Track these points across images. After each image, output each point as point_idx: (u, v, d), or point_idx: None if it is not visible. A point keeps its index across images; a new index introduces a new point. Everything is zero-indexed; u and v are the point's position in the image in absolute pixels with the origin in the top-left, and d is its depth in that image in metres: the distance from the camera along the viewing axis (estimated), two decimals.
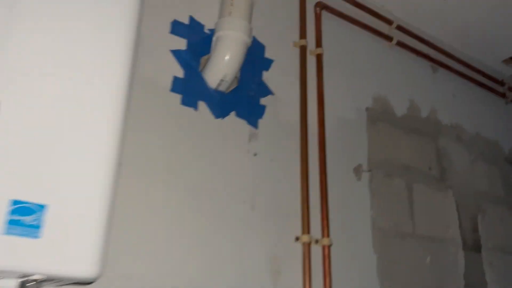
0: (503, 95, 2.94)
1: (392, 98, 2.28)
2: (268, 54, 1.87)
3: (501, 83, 2.94)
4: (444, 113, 2.52)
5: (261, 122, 1.75)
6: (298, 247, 1.66)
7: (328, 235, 1.73)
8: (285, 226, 1.67)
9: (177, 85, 1.57)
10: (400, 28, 2.42)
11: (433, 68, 2.59)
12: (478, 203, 2.47)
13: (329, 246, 1.71)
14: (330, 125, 1.96)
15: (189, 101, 1.58)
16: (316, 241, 1.71)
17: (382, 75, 2.30)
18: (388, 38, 2.36)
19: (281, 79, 1.87)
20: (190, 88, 1.60)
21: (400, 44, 2.40)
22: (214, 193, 1.54)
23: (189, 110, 1.58)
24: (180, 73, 1.60)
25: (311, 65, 1.98)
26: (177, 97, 1.56)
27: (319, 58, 2.00)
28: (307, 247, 1.65)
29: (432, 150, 2.36)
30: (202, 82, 1.64)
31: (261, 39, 1.87)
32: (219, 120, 1.64)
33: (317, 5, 2.09)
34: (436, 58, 2.58)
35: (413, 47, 2.46)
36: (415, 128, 2.33)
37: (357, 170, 1.99)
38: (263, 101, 1.79)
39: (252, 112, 1.74)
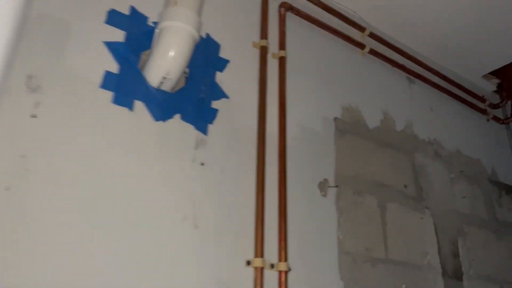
0: (484, 112, 2.79)
1: (364, 109, 2.10)
2: (223, 54, 1.68)
3: (482, 99, 2.79)
4: (421, 128, 2.34)
5: (211, 127, 1.54)
6: (250, 273, 1.42)
7: (285, 259, 1.49)
8: (235, 248, 1.44)
9: (109, 81, 1.36)
10: (373, 36, 2.26)
11: (409, 80, 2.43)
12: (459, 226, 2.27)
13: (287, 272, 1.48)
14: (293, 134, 1.76)
15: (123, 99, 1.37)
16: (272, 266, 1.48)
17: (353, 84, 2.12)
18: (361, 46, 2.19)
19: (237, 81, 1.67)
20: (125, 86, 1.39)
21: (374, 52, 2.24)
22: (148, 207, 1.31)
23: (123, 110, 1.36)
24: (114, 68, 1.39)
25: (273, 68, 1.79)
26: (109, 95, 1.35)
27: (282, 61, 1.81)
28: (260, 272, 1.42)
29: (408, 167, 2.17)
30: (141, 80, 1.43)
31: (216, 37, 1.68)
32: (160, 123, 1.42)
33: (282, 5, 1.92)
34: (412, 69, 2.42)
35: (388, 57, 2.30)
36: (389, 142, 2.14)
37: (323, 186, 1.77)
38: (216, 104, 1.58)
39: (201, 116, 1.53)
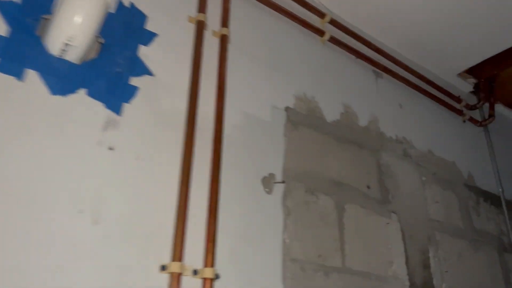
0: (459, 112, 2.58)
1: (322, 100, 1.88)
2: (151, 27, 1.46)
3: (458, 100, 2.59)
4: (389, 125, 2.13)
5: (127, 107, 1.30)
6: (164, 280, 1.17)
7: (212, 264, 1.24)
8: (147, 249, 1.19)
9: None
10: (335, 23, 2.06)
11: (376, 74, 2.23)
12: (431, 233, 2.03)
13: (213, 280, 1.23)
14: (234, 121, 1.53)
15: (10, 67, 1.13)
16: (195, 272, 1.23)
17: (310, 73, 1.91)
18: (320, 32, 1.99)
19: (166, 58, 1.45)
20: (14, 51, 1.15)
21: (335, 41, 2.04)
22: (37, 197, 1.06)
23: (10, 79, 1.13)
24: (3, 30, 1.16)
25: (213, 47, 1.58)
26: None
27: (223, 40, 1.60)
28: (176, 279, 1.16)
29: (372, 166, 1.94)
30: (38, 47, 1.20)
31: (142, 7, 1.46)
32: (58, 98, 1.19)
33: None
34: (380, 63, 2.22)
35: (352, 47, 2.10)
36: (350, 138, 1.92)
37: (268, 181, 1.54)
38: (136, 81, 1.35)
39: (115, 93, 1.29)
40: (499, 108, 2.89)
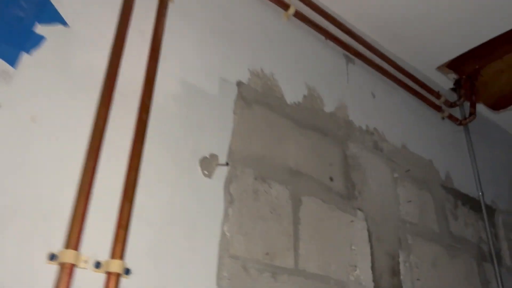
0: (438, 109, 2.39)
1: (282, 79, 1.65)
2: None
3: (437, 95, 2.40)
4: (358, 113, 1.91)
5: (27, 59, 1.05)
6: (54, 272, 0.91)
7: (121, 257, 0.99)
8: (33, 233, 0.93)
9: None
10: None
11: (347, 58, 2.01)
12: (402, 236, 1.80)
13: (120, 275, 0.98)
14: (168, 90, 1.29)
15: None
16: (97, 265, 0.97)
17: (270, 48, 1.68)
18: (284, 6, 1.77)
19: (87, 7, 1.21)
20: None
21: (302, 17, 1.82)
22: None
23: None
24: None
25: (150, 3, 1.34)
26: None
27: None
28: (68, 272, 0.91)
29: (337, 156, 1.71)
30: None
31: None
32: None
33: None
34: (353, 47, 2.01)
35: (321, 26, 1.89)
36: (313, 123, 1.69)
37: (208, 163, 1.29)
38: (44, 30, 1.10)
39: (12, 41, 1.04)
40: (481, 109, 2.71)
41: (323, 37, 1.92)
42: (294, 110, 1.64)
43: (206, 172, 1.28)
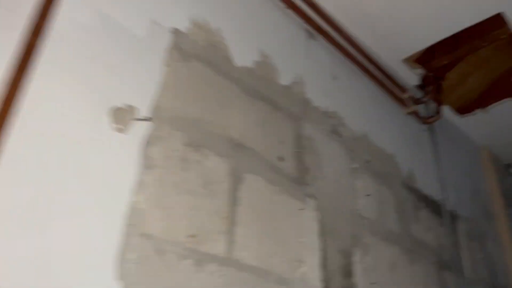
0: (403, 102, 2.21)
1: (230, 37, 1.40)
2: None
3: (402, 89, 2.23)
4: (317, 93, 1.69)
5: None
6: None
7: None
8: None
9: None
10: None
11: (308, 33, 1.80)
12: (358, 232, 1.57)
13: None
14: (77, 18, 1.01)
15: None
16: None
17: (220, 0, 1.44)
18: None
19: None
20: None
21: None
22: None
23: None
24: None
25: None
26: None
27: None
28: None
29: (289, 134, 1.47)
30: None
31: None
32: None
33: None
34: (315, 21, 1.80)
35: None
36: (264, 94, 1.45)
37: (121, 114, 1.02)
38: None
39: None
40: (448, 113, 2.56)
41: (282, 5, 1.70)
42: (243, 75, 1.39)
43: (118, 126, 1.00)
